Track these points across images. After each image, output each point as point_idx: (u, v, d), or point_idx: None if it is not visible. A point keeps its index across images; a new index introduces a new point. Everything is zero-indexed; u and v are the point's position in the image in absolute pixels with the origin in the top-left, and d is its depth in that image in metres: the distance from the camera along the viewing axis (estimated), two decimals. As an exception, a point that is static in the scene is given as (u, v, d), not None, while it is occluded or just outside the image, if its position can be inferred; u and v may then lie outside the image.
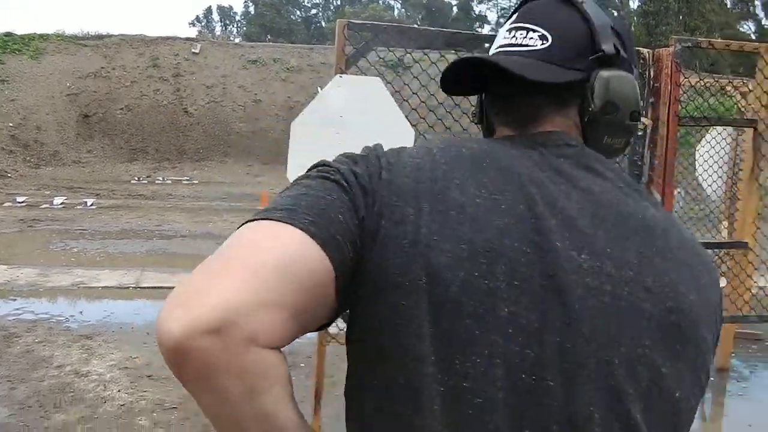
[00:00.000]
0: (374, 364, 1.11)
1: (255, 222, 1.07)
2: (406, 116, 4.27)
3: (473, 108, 1.42)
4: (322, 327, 1.14)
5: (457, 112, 5.01)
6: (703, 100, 6.66)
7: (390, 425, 1.10)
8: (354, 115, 4.17)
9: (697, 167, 8.73)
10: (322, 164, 1.19)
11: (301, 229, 1.04)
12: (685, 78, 5.79)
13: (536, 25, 1.27)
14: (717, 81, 8.15)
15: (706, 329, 1.16)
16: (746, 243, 5.53)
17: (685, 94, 6.18)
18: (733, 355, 7.13)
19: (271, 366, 1.00)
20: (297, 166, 4.24)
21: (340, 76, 4.24)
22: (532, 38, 1.26)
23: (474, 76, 1.32)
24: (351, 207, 1.10)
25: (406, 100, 4.50)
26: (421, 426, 1.07)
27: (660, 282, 1.12)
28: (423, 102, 4.71)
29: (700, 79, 7.01)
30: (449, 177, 1.13)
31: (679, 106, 4.70)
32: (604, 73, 1.23)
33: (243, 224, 1.09)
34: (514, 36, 1.28)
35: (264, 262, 1.00)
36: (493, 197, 1.12)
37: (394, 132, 4.16)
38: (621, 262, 1.12)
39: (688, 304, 1.14)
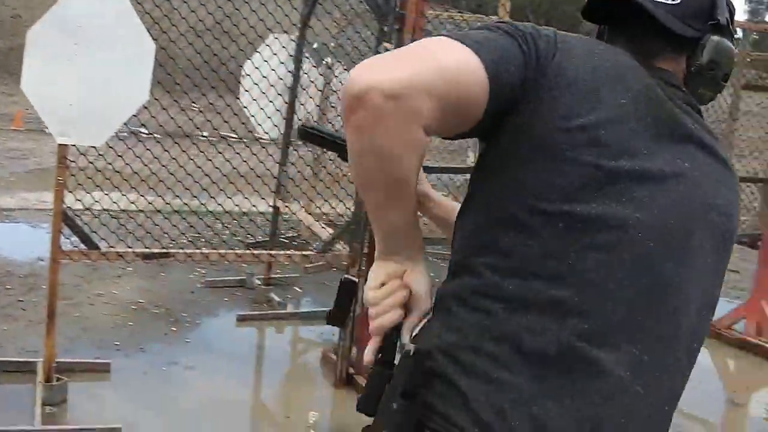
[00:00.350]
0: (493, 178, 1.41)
1: (449, 39, 1.31)
2: (149, 29, 4.16)
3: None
4: (450, 138, 1.41)
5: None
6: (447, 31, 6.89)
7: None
8: (93, 25, 4.01)
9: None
10: (514, 25, 1.40)
11: (481, 59, 1.27)
12: (431, 9, 5.97)
13: None
14: (461, 15, 8.45)
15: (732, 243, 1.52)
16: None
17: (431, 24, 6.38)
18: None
19: (420, 141, 1.25)
20: (32, 76, 4.05)
21: (81, -16, 4.05)
22: None
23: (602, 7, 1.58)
24: (523, 66, 1.33)
25: (148, 12, 4.38)
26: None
27: (725, 204, 1.47)
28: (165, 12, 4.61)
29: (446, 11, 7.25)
30: (602, 78, 1.39)
31: (423, 36, 4.84)
32: (715, 38, 1.50)
33: (439, 36, 1.34)
34: None
35: (445, 65, 1.25)
36: (632, 104, 1.39)
37: (134, 44, 4.05)
38: (706, 181, 1.44)
39: (734, 224, 1.50)
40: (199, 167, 4.98)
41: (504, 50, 1.32)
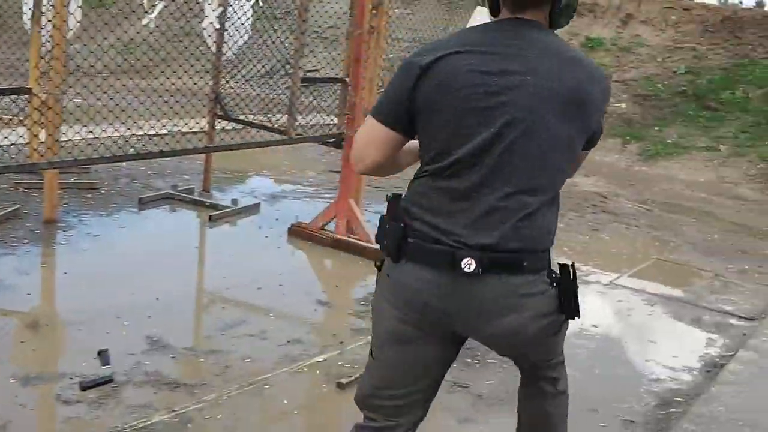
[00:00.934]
0: (428, 129, 2.51)
1: (370, 120, 2.56)
2: None
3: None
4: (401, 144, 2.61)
5: None
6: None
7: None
8: None
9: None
10: (406, 63, 2.51)
11: (383, 121, 2.52)
12: None
13: None
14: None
15: (595, 108, 2.53)
16: (30, 88, 5.45)
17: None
18: (65, 205, 7.21)
19: (385, 165, 2.63)
20: None
21: None
22: None
23: None
24: (411, 88, 2.46)
25: None
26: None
27: (572, 80, 2.42)
28: None
29: None
30: (456, 62, 2.42)
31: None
32: None
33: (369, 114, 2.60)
34: None
35: (377, 149, 2.56)
36: (484, 60, 2.42)
37: None
38: (553, 74, 2.41)
39: (583, 94, 2.46)
40: None
41: (395, 94, 2.51)
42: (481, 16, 8.32)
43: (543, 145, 2.44)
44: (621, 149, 14.01)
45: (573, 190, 10.73)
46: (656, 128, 14.42)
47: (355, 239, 6.97)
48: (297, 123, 7.07)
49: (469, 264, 2.42)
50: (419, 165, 2.60)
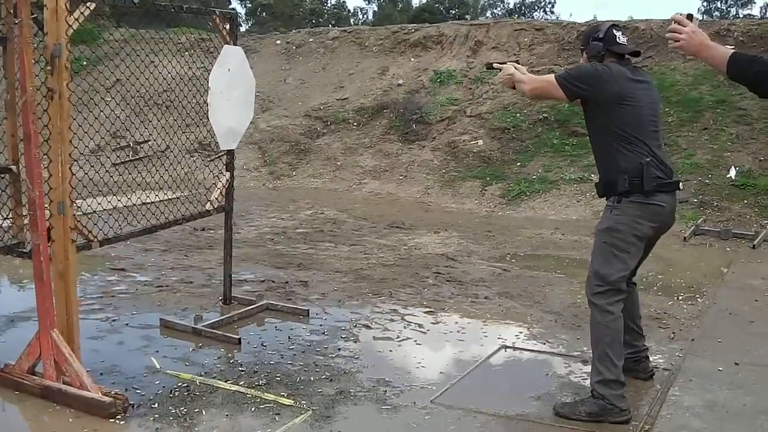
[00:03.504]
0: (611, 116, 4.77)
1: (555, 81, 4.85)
2: None
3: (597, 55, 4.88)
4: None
5: None
6: None
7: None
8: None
9: None
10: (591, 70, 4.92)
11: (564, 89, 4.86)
12: None
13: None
14: None
15: None
16: None
17: None
18: None
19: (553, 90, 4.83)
20: None
21: None
22: (624, 37, 4.91)
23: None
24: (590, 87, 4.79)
25: None
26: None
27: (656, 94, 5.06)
28: None
29: None
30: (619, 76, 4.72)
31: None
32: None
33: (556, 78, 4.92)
34: (623, 35, 4.87)
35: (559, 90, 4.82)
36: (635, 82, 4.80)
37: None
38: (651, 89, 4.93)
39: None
40: None
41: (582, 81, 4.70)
42: (229, 51, 6.38)
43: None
44: (480, 193, 12.18)
45: (413, 255, 8.73)
46: (518, 164, 12.68)
47: (67, 385, 4.80)
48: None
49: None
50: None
